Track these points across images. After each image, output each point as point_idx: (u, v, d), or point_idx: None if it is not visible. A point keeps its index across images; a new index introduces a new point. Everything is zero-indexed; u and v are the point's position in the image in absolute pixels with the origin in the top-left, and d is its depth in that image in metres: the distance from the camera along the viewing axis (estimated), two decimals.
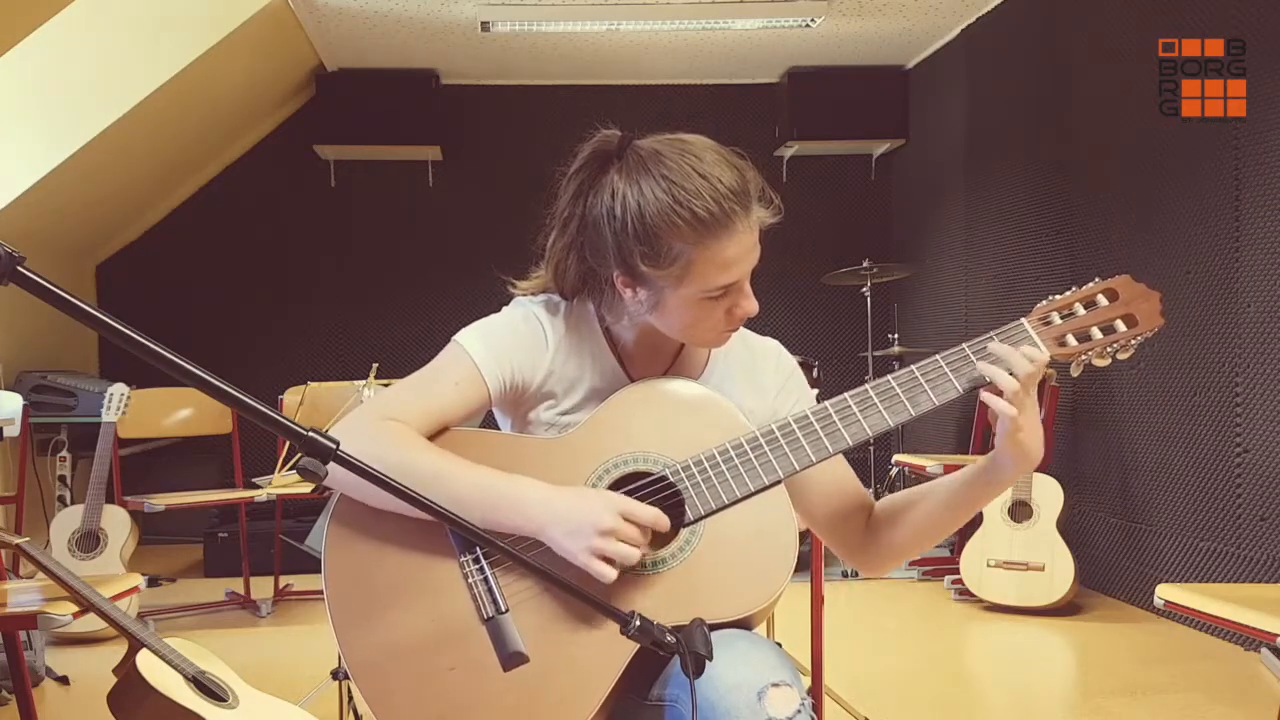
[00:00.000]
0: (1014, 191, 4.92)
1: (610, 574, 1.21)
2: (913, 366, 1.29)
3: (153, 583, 4.71)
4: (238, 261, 6.16)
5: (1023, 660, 3.65)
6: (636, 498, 1.27)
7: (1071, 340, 1.29)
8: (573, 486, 1.28)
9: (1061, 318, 1.30)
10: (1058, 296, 1.32)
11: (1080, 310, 1.30)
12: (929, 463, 4.39)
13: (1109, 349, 1.29)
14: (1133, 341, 1.30)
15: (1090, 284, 1.32)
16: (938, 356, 1.29)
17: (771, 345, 1.50)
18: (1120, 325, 1.30)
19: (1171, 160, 3.77)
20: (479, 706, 1.24)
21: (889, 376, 1.30)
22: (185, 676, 2.09)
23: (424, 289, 6.16)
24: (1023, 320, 1.30)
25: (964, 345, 1.29)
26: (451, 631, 1.25)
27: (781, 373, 1.47)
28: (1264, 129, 3.35)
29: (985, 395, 1.26)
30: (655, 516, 1.23)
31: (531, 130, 6.02)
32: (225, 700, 2.12)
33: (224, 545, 4.97)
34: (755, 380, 1.45)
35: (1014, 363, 1.25)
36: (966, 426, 5.19)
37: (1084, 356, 1.30)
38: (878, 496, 1.46)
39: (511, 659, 1.23)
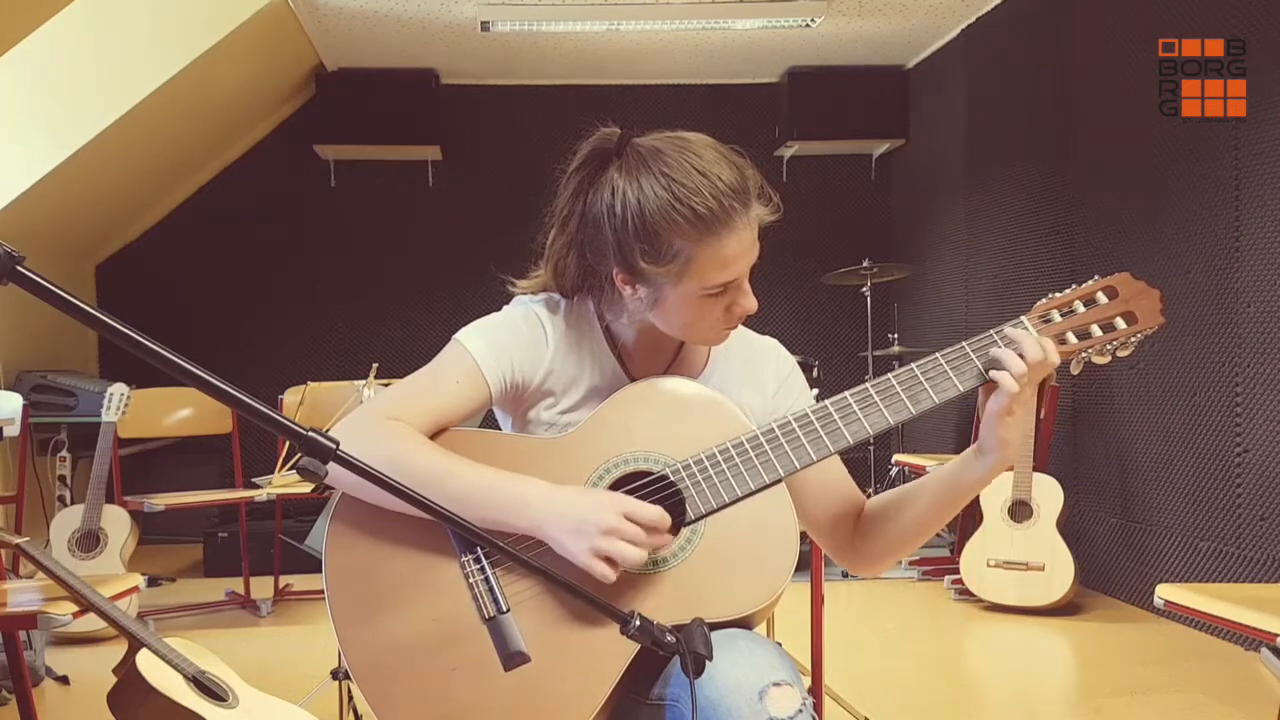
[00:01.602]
0: (1014, 191, 4.91)
1: (611, 575, 1.21)
2: (913, 365, 1.29)
3: (153, 582, 4.71)
4: (237, 261, 6.16)
5: (1023, 660, 3.65)
6: (637, 497, 1.27)
7: (1071, 338, 1.29)
8: (574, 486, 1.28)
9: (1061, 315, 1.30)
10: (1057, 294, 1.32)
11: (1080, 307, 1.30)
12: (928, 462, 4.39)
13: (1109, 346, 1.30)
14: (1133, 339, 1.30)
15: (1090, 281, 1.32)
16: (938, 355, 1.29)
17: (770, 343, 1.50)
18: (1120, 322, 1.30)
19: (1171, 160, 3.77)
20: (481, 707, 1.23)
21: (889, 375, 1.30)
22: (185, 676, 2.09)
23: (424, 289, 6.15)
24: (1023, 318, 1.30)
25: (964, 344, 1.29)
26: (453, 632, 1.25)
27: (781, 370, 1.47)
28: (1264, 129, 3.35)
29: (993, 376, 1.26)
30: (659, 516, 1.23)
31: (531, 130, 6.01)
32: (225, 700, 2.12)
33: (224, 545, 4.97)
34: (755, 378, 1.45)
35: (1026, 345, 1.25)
36: (966, 427, 5.19)
37: (1084, 354, 1.30)
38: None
39: (513, 659, 1.23)
